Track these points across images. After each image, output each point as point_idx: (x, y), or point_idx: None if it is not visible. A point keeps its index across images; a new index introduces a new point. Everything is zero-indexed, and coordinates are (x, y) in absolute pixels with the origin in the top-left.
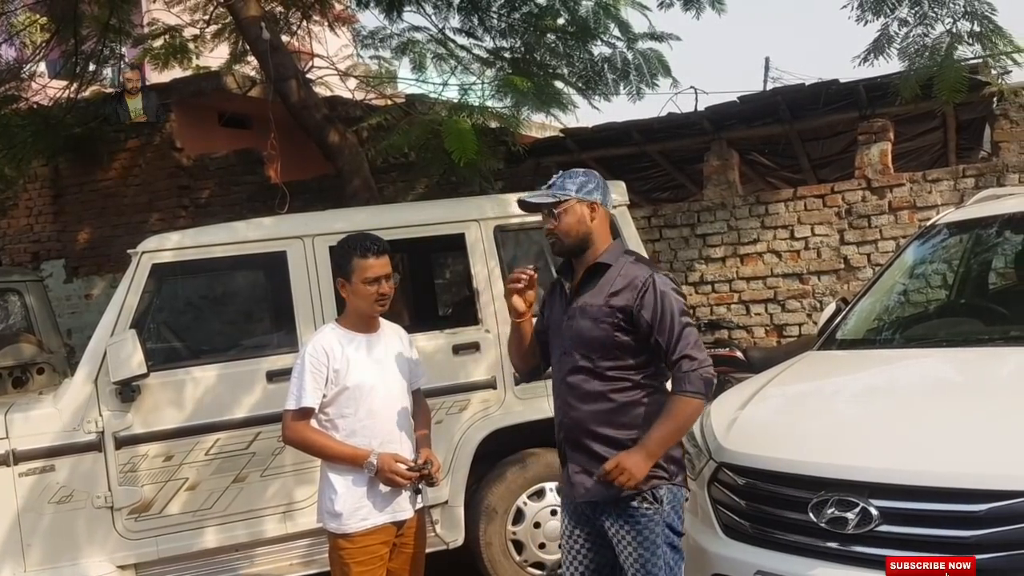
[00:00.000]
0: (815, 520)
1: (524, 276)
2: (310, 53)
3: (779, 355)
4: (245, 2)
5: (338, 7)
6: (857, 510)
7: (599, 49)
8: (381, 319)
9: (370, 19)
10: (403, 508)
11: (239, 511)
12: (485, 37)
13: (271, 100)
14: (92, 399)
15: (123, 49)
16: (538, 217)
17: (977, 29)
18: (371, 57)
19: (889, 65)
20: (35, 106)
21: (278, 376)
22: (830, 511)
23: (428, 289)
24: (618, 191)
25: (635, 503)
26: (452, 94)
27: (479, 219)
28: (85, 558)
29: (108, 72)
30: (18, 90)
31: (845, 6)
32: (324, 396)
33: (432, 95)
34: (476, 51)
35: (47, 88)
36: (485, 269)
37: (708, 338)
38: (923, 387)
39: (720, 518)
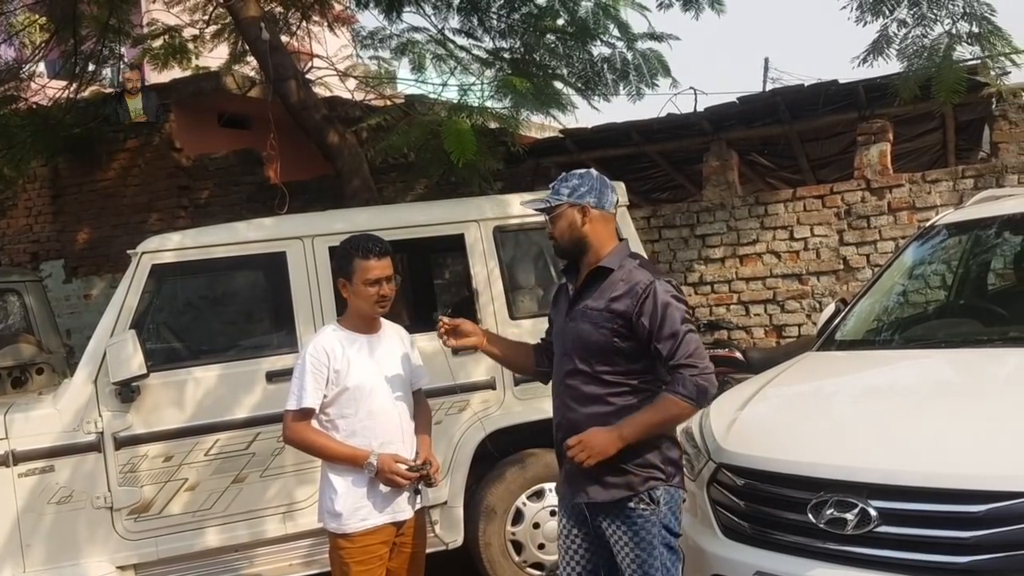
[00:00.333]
0: (814, 521)
1: (440, 327)
2: (310, 53)
3: (778, 356)
4: (244, 2)
5: (337, 7)
6: (856, 511)
7: (598, 49)
8: (382, 320)
9: (369, 19)
10: (403, 508)
11: (239, 511)
12: (484, 38)
13: (271, 100)
14: (92, 400)
15: (122, 49)
16: (537, 217)
17: (976, 30)
18: (370, 57)
19: (888, 66)
20: (34, 106)
21: (278, 376)
22: (829, 512)
23: (427, 289)
24: (617, 191)
25: (631, 504)
26: (451, 95)
27: (478, 220)
28: (85, 559)
29: (107, 72)
30: (17, 90)
31: (844, 7)
32: (325, 396)
33: (431, 96)
34: (475, 52)
35: (46, 88)
36: (484, 270)
37: (707, 339)
38: (922, 388)
39: (719, 519)
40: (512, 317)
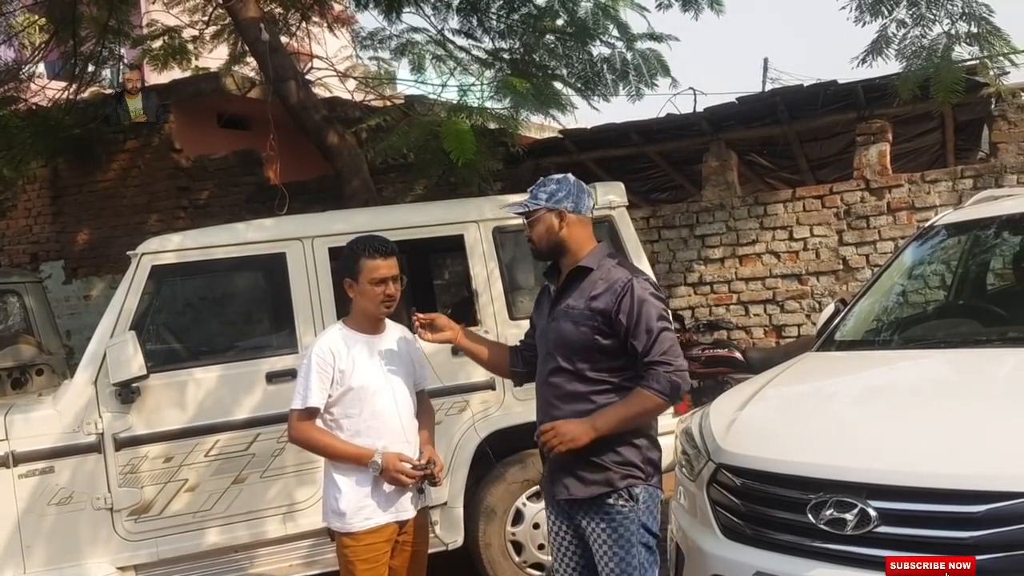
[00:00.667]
0: (814, 521)
1: (415, 322)
2: (309, 54)
3: (778, 356)
4: (244, 3)
5: (337, 8)
6: (855, 511)
7: (598, 50)
8: (387, 320)
9: (369, 20)
10: (406, 508)
11: (239, 512)
12: (484, 38)
13: (270, 101)
14: (92, 401)
15: (122, 50)
16: None
17: (975, 30)
18: (370, 58)
19: (887, 66)
20: (34, 107)
21: (278, 377)
22: (828, 512)
23: (427, 290)
24: (617, 192)
25: (611, 500)
26: (451, 95)
27: (478, 220)
28: (85, 560)
29: (107, 73)
30: (17, 91)
31: (843, 7)
32: (330, 396)
33: (431, 96)
34: (475, 52)
35: (46, 89)
36: (484, 270)
37: (707, 339)
38: (922, 388)
39: (719, 519)
40: (512, 317)
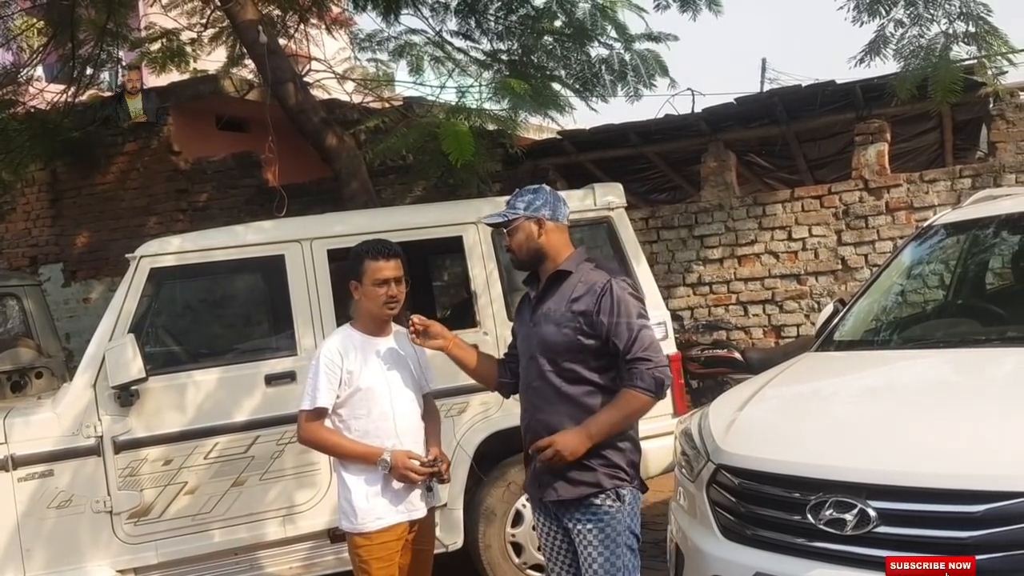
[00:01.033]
0: (813, 522)
1: (411, 327)
2: (307, 56)
3: (777, 356)
4: (242, 5)
5: (335, 10)
6: (855, 511)
7: (596, 51)
8: (393, 324)
9: (367, 22)
10: (416, 507)
11: (239, 515)
12: (482, 39)
13: (269, 103)
14: (91, 404)
15: (120, 53)
16: None
17: (972, 30)
18: (368, 60)
19: (885, 66)
20: (33, 110)
21: (277, 380)
22: (828, 512)
23: (426, 292)
24: (615, 193)
25: (598, 501)
26: (449, 96)
27: (477, 221)
28: (85, 563)
29: (105, 76)
30: (15, 94)
31: (841, 7)
32: (338, 397)
33: (429, 98)
34: (473, 53)
35: (44, 92)
36: (483, 272)
37: (706, 339)
38: (921, 388)
39: (719, 520)
40: (511, 319)
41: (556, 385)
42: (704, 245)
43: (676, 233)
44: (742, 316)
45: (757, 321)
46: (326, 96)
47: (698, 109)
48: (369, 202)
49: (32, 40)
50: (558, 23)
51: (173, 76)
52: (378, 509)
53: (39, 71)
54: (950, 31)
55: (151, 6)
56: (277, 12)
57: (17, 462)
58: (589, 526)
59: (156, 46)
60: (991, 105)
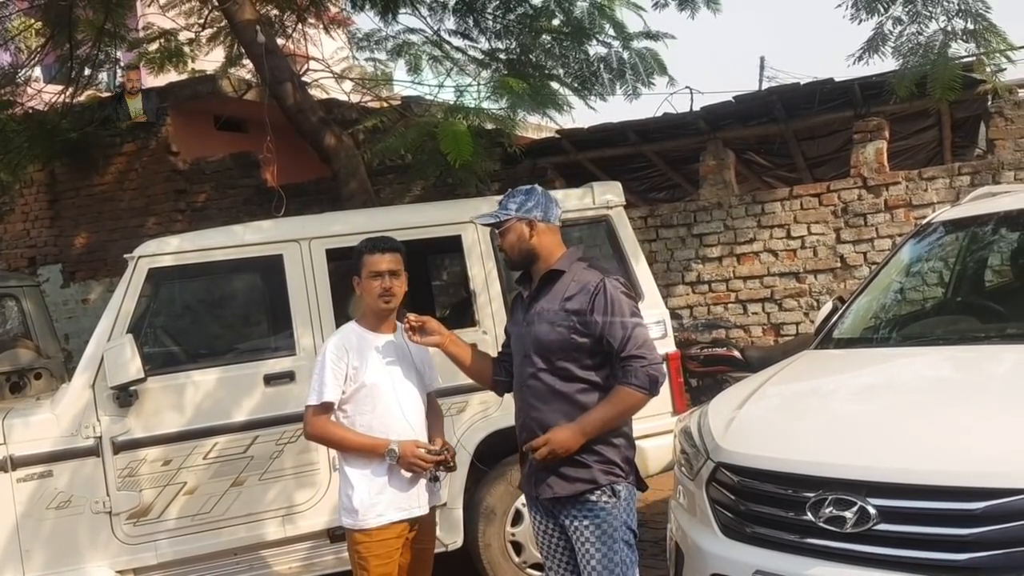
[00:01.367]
0: (813, 519)
1: (406, 324)
2: (305, 56)
3: (776, 354)
4: (240, 5)
5: (333, 10)
6: (855, 509)
7: (594, 49)
8: (398, 323)
9: (365, 21)
10: (418, 505)
11: (238, 515)
12: (480, 39)
13: (267, 103)
14: (90, 404)
15: (118, 53)
16: None
17: (971, 27)
18: (366, 59)
19: (884, 64)
20: (31, 111)
21: (276, 380)
22: (828, 510)
23: (425, 291)
24: (614, 191)
25: (594, 497)
26: (448, 96)
27: (472, 220)
28: (84, 563)
29: (103, 76)
30: (14, 95)
31: (839, 5)
32: (343, 392)
33: (428, 97)
34: (471, 53)
35: (43, 93)
36: (482, 271)
37: (706, 338)
38: (920, 385)
39: (718, 518)
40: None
41: (550, 383)
42: (703, 243)
43: (675, 232)
44: (741, 314)
45: (756, 319)
46: (324, 96)
47: (697, 107)
48: (368, 202)
49: (30, 41)
50: (556, 22)
51: (171, 76)
52: (380, 506)
53: (37, 72)
54: (949, 28)
55: (149, 6)
56: (275, 12)
57: (16, 463)
58: (585, 522)
59: (154, 46)
60: (990, 102)
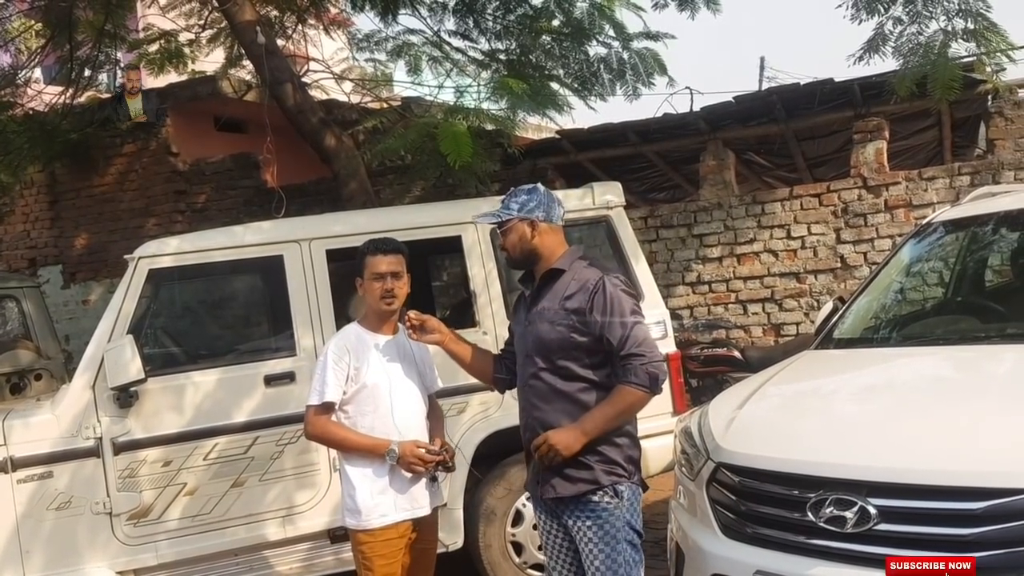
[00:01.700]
0: (813, 519)
1: (407, 322)
2: (306, 57)
3: (777, 354)
4: (240, 6)
5: (333, 10)
6: (855, 509)
7: (594, 50)
8: (400, 324)
9: (365, 22)
10: (421, 505)
11: (238, 516)
12: (480, 39)
13: (267, 104)
14: (90, 405)
15: (119, 54)
16: None
17: (971, 26)
18: (366, 60)
19: (884, 64)
20: (31, 112)
21: (276, 380)
22: (828, 510)
23: (425, 291)
24: (614, 192)
25: (596, 497)
26: (448, 96)
27: (472, 220)
28: (84, 564)
29: (104, 77)
30: (14, 96)
31: (840, 5)
32: (344, 393)
33: (428, 98)
34: (471, 53)
35: (43, 94)
36: (482, 271)
37: (706, 338)
38: (920, 385)
39: (719, 518)
40: (511, 318)
41: (551, 383)
42: (703, 244)
43: (675, 232)
44: (741, 315)
45: (756, 320)
46: (324, 96)
47: (697, 108)
48: (368, 202)
49: (30, 42)
50: (556, 22)
51: (171, 77)
52: (382, 506)
53: (37, 73)
54: (949, 28)
55: (149, 7)
56: (275, 13)
57: (16, 464)
58: (588, 523)
59: (154, 47)
60: (990, 102)
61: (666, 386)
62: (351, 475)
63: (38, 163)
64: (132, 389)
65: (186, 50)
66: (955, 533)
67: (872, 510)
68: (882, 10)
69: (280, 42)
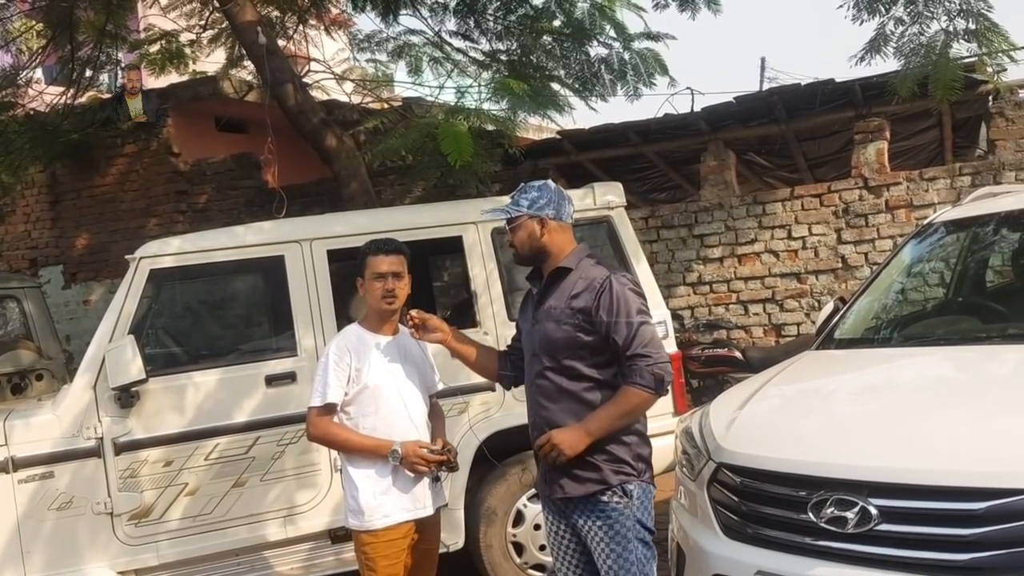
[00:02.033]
0: (815, 520)
1: (409, 321)
2: (306, 57)
3: (778, 355)
4: (241, 7)
5: (334, 11)
6: (856, 509)
7: (595, 50)
8: (401, 325)
9: (366, 22)
10: (424, 505)
11: (239, 516)
12: (481, 40)
13: (268, 104)
14: (91, 405)
15: (119, 55)
16: None
17: (972, 27)
18: (367, 60)
19: (885, 64)
20: (32, 112)
21: (277, 380)
22: (829, 510)
23: (426, 292)
24: (615, 192)
25: (605, 498)
26: (448, 97)
27: (477, 222)
28: (85, 564)
29: (104, 78)
30: (15, 96)
31: (841, 6)
32: (346, 394)
33: (428, 98)
34: (472, 54)
35: (44, 94)
36: (483, 271)
37: (707, 338)
38: (921, 386)
39: (720, 518)
40: (511, 318)
41: (556, 382)
42: (704, 244)
43: (676, 232)
44: (742, 315)
45: (757, 320)
46: (325, 97)
47: (697, 108)
48: (369, 202)
49: (31, 42)
50: (557, 23)
51: (172, 78)
52: (385, 507)
53: (38, 73)
54: (950, 28)
55: (150, 7)
56: (276, 13)
57: (17, 464)
58: (598, 524)
59: (155, 48)
60: (990, 103)
61: None
62: (354, 476)
63: (39, 163)
64: (133, 389)
65: (187, 50)
66: (956, 533)
67: (873, 510)
68: (883, 10)
69: (281, 42)
